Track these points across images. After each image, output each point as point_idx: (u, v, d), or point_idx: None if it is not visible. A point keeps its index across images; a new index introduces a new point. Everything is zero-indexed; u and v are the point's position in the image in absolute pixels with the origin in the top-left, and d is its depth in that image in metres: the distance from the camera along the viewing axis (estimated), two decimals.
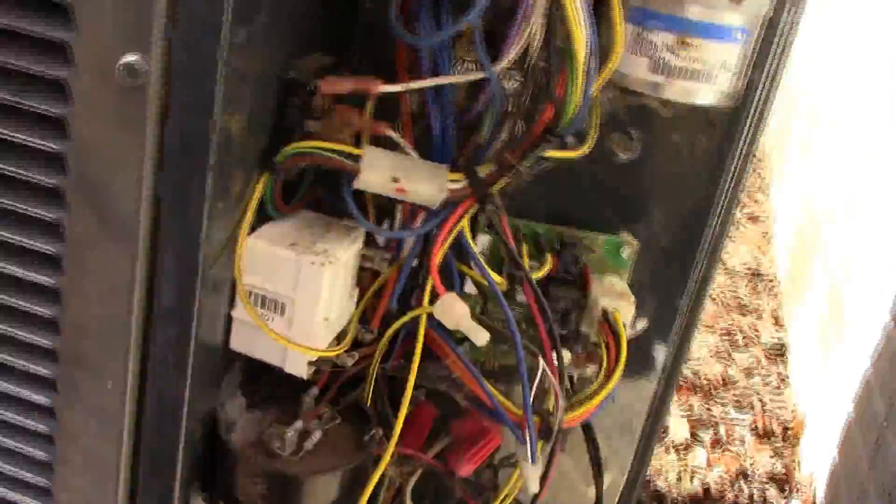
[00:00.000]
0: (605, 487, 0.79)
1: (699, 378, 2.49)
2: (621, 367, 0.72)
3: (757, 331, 2.83)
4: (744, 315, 2.95)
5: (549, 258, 0.75)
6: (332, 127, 0.63)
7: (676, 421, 2.27)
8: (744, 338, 2.76)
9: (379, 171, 0.63)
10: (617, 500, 0.91)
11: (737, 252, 3.36)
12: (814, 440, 2.16)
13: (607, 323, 0.75)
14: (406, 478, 0.78)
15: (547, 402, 0.71)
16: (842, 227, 2.44)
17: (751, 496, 2.07)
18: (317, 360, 0.66)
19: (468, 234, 0.67)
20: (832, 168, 2.81)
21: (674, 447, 2.19)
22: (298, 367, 0.65)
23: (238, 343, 0.66)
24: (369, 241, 0.71)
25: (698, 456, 2.18)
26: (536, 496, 0.70)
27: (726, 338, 2.76)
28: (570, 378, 0.80)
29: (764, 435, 2.31)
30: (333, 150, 0.62)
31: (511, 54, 0.60)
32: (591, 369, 0.82)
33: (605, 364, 0.73)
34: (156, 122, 0.56)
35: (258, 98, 0.61)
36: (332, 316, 0.66)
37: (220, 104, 0.55)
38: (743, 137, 0.76)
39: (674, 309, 0.82)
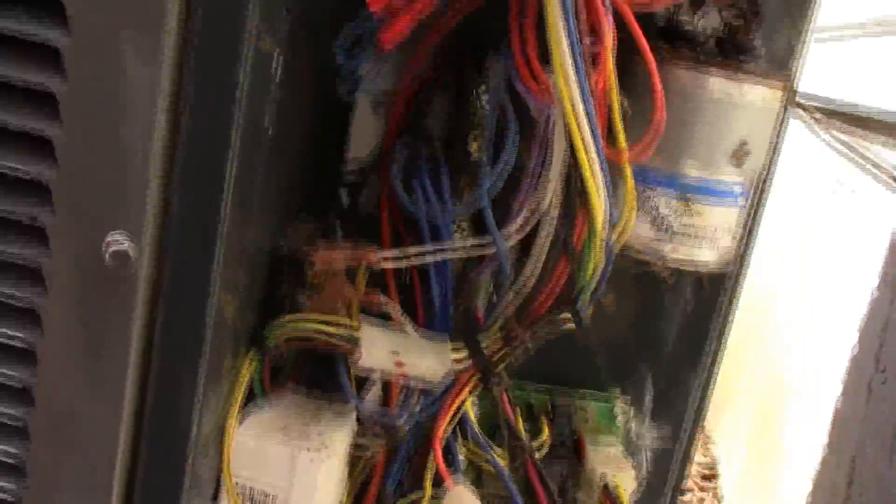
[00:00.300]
0: None
1: None
2: None
3: None
4: None
5: (545, 428, 0.71)
6: (324, 301, 0.59)
7: None
8: None
9: (379, 351, 0.58)
10: None
11: None
12: None
13: (608, 495, 0.71)
14: None
15: None
16: (765, 347, 2.48)
17: None
18: None
19: (471, 413, 0.63)
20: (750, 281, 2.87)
21: None
22: None
23: None
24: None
25: None
26: None
27: None
28: None
29: None
30: (330, 333, 0.58)
31: (519, 224, 0.57)
32: None
33: None
34: (144, 309, 0.50)
35: (251, 274, 0.57)
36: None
37: (218, 286, 0.50)
38: (728, 297, 0.76)
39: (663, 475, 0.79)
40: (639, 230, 0.64)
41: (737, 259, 0.66)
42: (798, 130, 2.52)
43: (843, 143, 2.09)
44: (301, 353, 0.65)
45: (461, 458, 0.69)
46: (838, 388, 1.83)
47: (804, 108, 2.37)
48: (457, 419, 0.62)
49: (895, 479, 1.49)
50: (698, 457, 2.75)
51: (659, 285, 0.73)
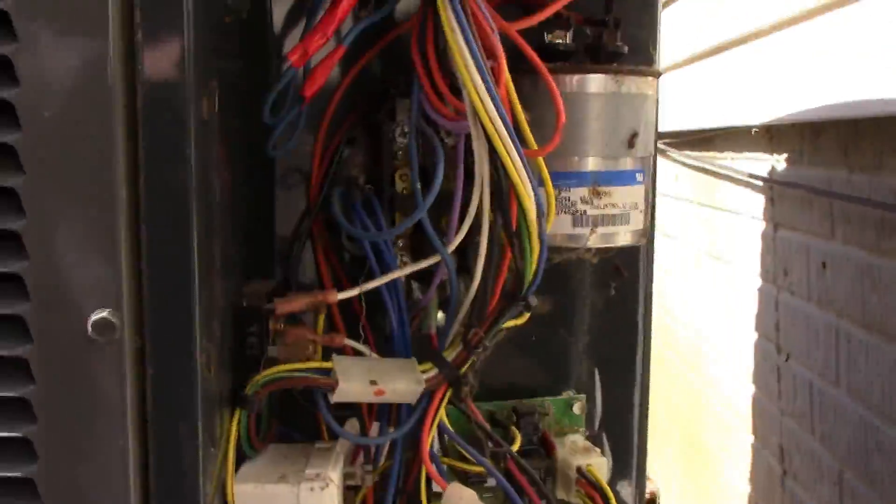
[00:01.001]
0: None
1: None
2: None
3: None
4: None
5: (517, 434, 0.75)
6: (291, 348, 0.62)
7: None
8: None
9: (355, 379, 0.61)
10: None
11: None
12: None
13: (585, 480, 0.75)
14: None
15: None
16: (675, 366, 2.57)
17: None
18: None
19: (447, 421, 0.67)
20: None
21: None
22: None
23: None
24: None
25: None
26: None
27: None
28: None
29: None
30: (304, 370, 0.61)
31: (458, 239, 0.62)
32: None
33: None
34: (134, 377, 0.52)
35: (222, 333, 0.59)
36: None
37: (199, 345, 0.53)
38: (643, 277, 0.83)
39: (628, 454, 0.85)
40: (560, 227, 0.70)
41: (646, 231, 0.73)
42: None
43: (696, 159, 2.24)
44: (271, 416, 0.68)
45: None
46: (749, 380, 1.92)
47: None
48: (435, 431, 0.65)
49: (819, 447, 1.57)
50: None
51: (583, 284, 0.80)
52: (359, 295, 0.63)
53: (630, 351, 0.82)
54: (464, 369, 0.65)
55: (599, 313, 0.81)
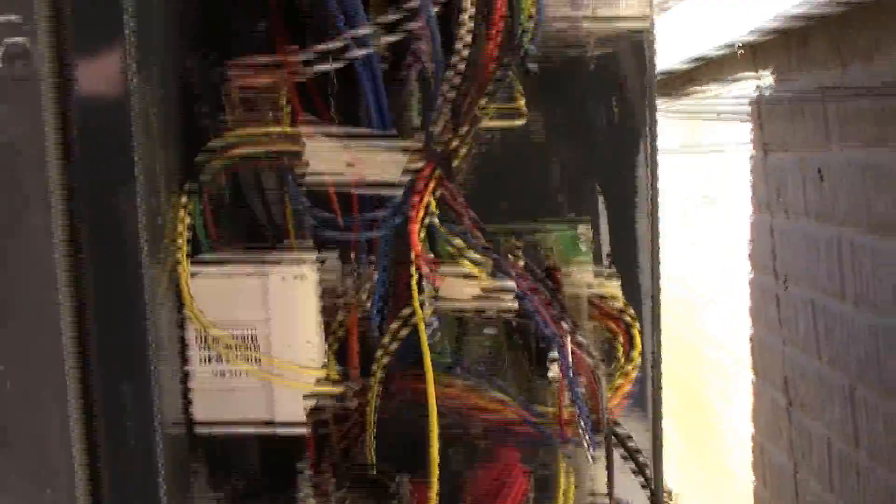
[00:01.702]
0: None
1: None
2: (638, 337, 0.63)
3: None
4: None
5: (519, 256, 0.65)
6: (252, 116, 0.52)
7: None
8: None
9: (326, 155, 0.52)
10: None
11: None
12: None
13: (596, 306, 0.66)
14: None
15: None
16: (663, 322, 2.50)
17: None
18: (313, 412, 0.51)
19: (435, 216, 0.57)
20: None
21: None
22: (292, 408, 0.50)
23: (205, 411, 0.50)
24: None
25: None
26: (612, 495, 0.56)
27: None
28: None
29: None
30: (268, 146, 0.51)
31: None
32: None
33: (621, 342, 0.63)
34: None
35: (166, 96, 0.49)
36: (313, 339, 0.52)
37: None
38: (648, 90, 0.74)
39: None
40: (557, 9, 0.61)
41: (647, 20, 0.64)
42: None
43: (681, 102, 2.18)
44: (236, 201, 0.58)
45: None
46: (746, 316, 1.86)
47: None
48: (426, 223, 0.55)
49: (825, 367, 1.50)
50: None
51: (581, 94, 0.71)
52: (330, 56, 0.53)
53: (631, 172, 0.73)
54: (453, 144, 0.55)
55: (599, 130, 0.72)
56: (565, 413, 0.56)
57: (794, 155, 1.59)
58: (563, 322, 0.55)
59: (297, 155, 0.51)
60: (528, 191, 0.70)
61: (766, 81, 1.68)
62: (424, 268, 0.54)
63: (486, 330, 0.65)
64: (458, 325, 0.64)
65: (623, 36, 0.64)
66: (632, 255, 0.75)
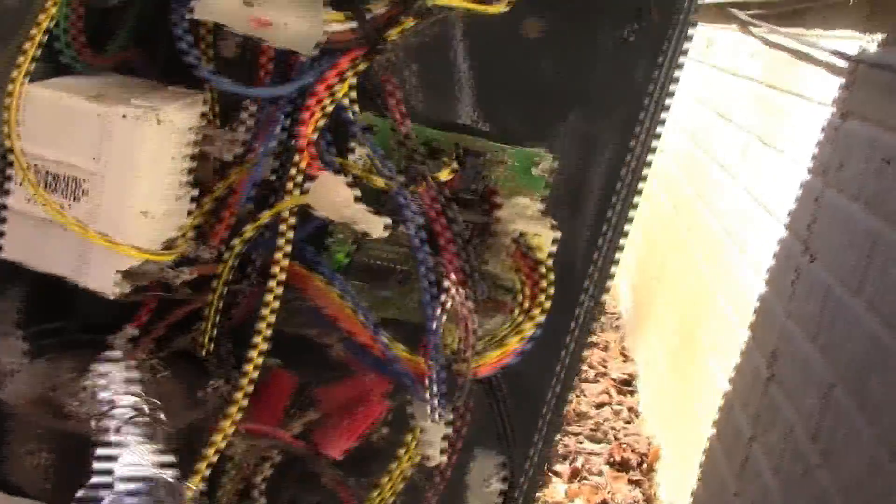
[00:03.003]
0: None
1: None
2: (547, 300, 0.56)
3: (605, 364, 2.78)
4: (590, 349, 2.90)
5: (447, 164, 0.58)
6: None
7: None
8: (594, 373, 2.70)
9: None
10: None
11: None
12: (671, 468, 2.08)
13: (522, 251, 0.58)
14: (259, 462, 0.57)
15: (449, 341, 0.53)
16: (690, 254, 2.41)
17: None
18: (132, 273, 0.45)
19: (349, 103, 0.49)
20: (670, 195, 2.82)
21: None
22: (103, 278, 0.44)
23: (14, 249, 0.45)
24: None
25: (557, 490, 2.06)
26: (438, 469, 0.51)
27: None
28: None
29: (620, 466, 2.22)
30: None
31: None
32: (496, 320, 0.65)
33: (522, 298, 0.56)
34: None
35: None
36: (156, 210, 0.46)
37: None
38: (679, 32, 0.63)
39: (591, 248, 0.67)
40: None
41: None
42: (733, 33, 2.44)
43: (779, 35, 2.00)
44: (133, 36, 0.50)
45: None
46: (763, 277, 1.77)
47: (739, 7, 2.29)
48: (334, 102, 0.48)
49: (816, 356, 1.43)
50: (615, 372, 2.71)
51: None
52: None
53: (628, 125, 0.64)
54: (392, 35, 0.47)
55: (604, 58, 0.62)
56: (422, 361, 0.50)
57: (871, 130, 1.45)
58: (447, 267, 0.48)
59: None
60: (497, 108, 0.61)
61: (871, 43, 1.52)
62: (306, 155, 0.46)
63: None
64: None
65: None
66: (597, 201, 0.67)
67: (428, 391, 0.49)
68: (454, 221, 0.52)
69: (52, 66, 0.45)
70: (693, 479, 1.90)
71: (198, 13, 0.43)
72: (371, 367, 0.53)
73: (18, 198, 0.43)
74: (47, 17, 0.43)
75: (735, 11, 2.29)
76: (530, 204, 0.62)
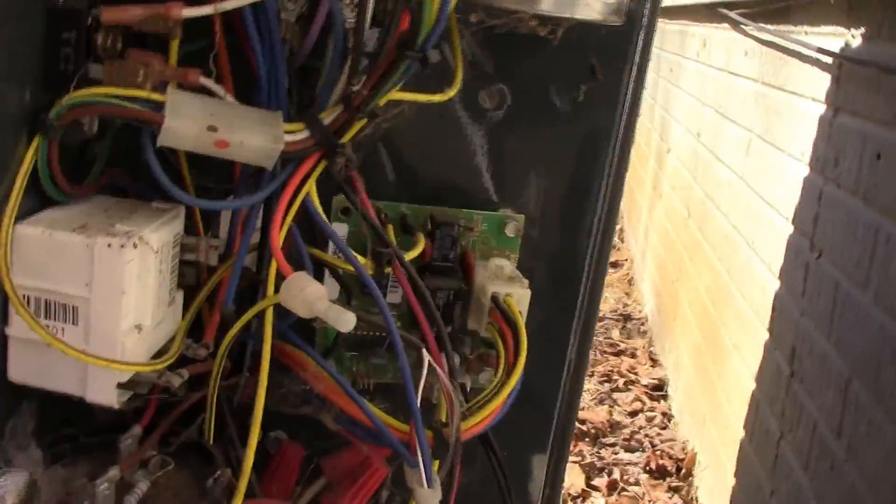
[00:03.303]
0: None
1: (585, 425, 2.40)
2: (523, 358, 0.59)
3: (635, 371, 2.79)
4: (619, 357, 2.91)
5: (420, 238, 0.61)
6: (123, 73, 0.48)
7: (570, 469, 2.16)
8: (624, 381, 2.71)
9: (190, 119, 0.48)
10: None
11: (605, 300, 3.36)
12: (708, 471, 2.09)
13: (500, 312, 0.62)
14: None
15: (438, 412, 0.57)
16: (706, 254, 2.43)
17: None
18: (130, 382, 0.49)
19: (316, 202, 0.53)
20: (682, 196, 2.83)
21: (571, 498, 2.07)
22: (104, 392, 0.48)
23: (20, 372, 0.49)
24: (192, 229, 0.55)
25: (596, 503, 2.08)
26: None
27: (606, 382, 2.70)
28: (463, 386, 0.66)
29: (658, 473, 2.23)
30: (126, 97, 0.47)
31: None
32: (485, 375, 0.68)
33: (503, 358, 0.60)
34: None
35: (18, 35, 0.46)
36: (146, 323, 0.50)
37: None
38: (627, 85, 0.66)
39: (574, 287, 0.70)
40: None
41: (622, 9, 0.56)
42: (726, 32, 2.46)
43: (768, 33, 2.03)
44: (112, 158, 0.55)
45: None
46: (776, 275, 1.79)
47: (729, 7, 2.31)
48: (297, 203, 0.51)
49: (832, 351, 1.44)
50: (645, 378, 2.72)
51: (540, 75, 0.64)
52: (218, 18, 0.48)
53: (590, 176, 0.67)
54: (346, 137, 0.51)
55: (560, 118, 0.65)
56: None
57: (861, 125, 1.47)
58: (423, 349, 0.52)
59: (158, 117, 0.47)
60: (464, 176, 0.65)
61: (854, 38, 1.54)
62: (279, 254, 0.50)
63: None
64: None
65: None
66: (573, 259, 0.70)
67: (419, 458, 0.52)
68: (425, 295, 0.55)
69: (37, 200, 0.49)
70: (730, 480, 1.91)
71: (163, 143, 0.47)
72: (366, 438, 0.57)
73: (19, 326, 0.48)
74: (28, 162, 0.47)
75: (725, 11, 2.32)
76: (505, 264, 0.65)
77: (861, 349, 1.34)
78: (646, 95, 3.75)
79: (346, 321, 0.48)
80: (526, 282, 0.64)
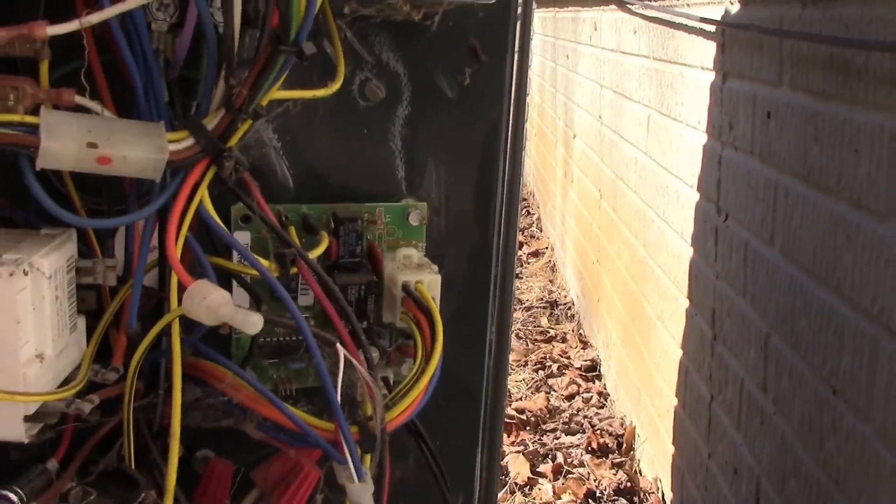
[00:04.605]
0: None
1: (524, 414, 2.42)
2: (440, 343, 0.59)
3: (567, 355, 2.83)
4: (550, 343, 2.95)
5: (324, 236, 0.61)
6: None
7: (514, 459, 2.17)
8: (557, 366, 2.75)
9: (67, 138, 0.46)
10: None
11: (530, 289, 3.39)
12: (647, 443, 2.13)
13: (413, 300, 0.62)
14: None
15: (362, 406, 0.57)
16: (621, 232, 2.47)
17: None
18: (38, 414, 0.48)
19: (211, 210, 0.52)
20: (592, 179, 2.88)
21: (518, 487, 2.09)
22: (10, 426, 0.47)
23: None
24: (90, 253, 0.54)
25: (544, 490, 2.10)
26: None
27: (540, 369, 2.73)
28: (386, 380, 0.66)
29: (600, 452, 2.26)
30: None
31: None
32: (406, 366, 0.68)
33: (420, 346, 0.60)
34: None
35: None
36: (47, 351, 0.48)
37: None
38: (512, 65, 0.67)
39: (486, 270, 0.71)
40: None
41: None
42: (614, 14, 2.51)
43: (653, 10, 2.08)
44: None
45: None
46: (689, 243, 1.83)
47: None
48: (191, 212, 0.51)
49: (749, 309, 1.49)
50: (578, 361, 2.76)
51: (424, 61, 0.65)
52: (81, 30, 0.47)
53: (488, 159, 0.68)
54: (232, 142, 0.50)
55: (450, 104, 0.66)
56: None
57: (750, 87, 1.52)
58: (337, 345, 0.51)
59: (33, 139, 0.46)
60: (362, 171, 0.65)
61: (733, 5, 1.59)
62: (177, 265, 0.49)
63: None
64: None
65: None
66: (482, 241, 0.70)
67: (347, 455, 0.52)
68: (334, 291, 0.55)
69: None
70: (669, 449, 1.95)
71: (43, 165, 0.46)
72: (292, 442, 0.56)
73: None
74: None
75: None
76: (413, 253, 0.65)
77: (775, 304, 1.38)
78: (547, 84, 3.82)
79: (252, 323, 0.47)
80: (435, 267, 0.64)
